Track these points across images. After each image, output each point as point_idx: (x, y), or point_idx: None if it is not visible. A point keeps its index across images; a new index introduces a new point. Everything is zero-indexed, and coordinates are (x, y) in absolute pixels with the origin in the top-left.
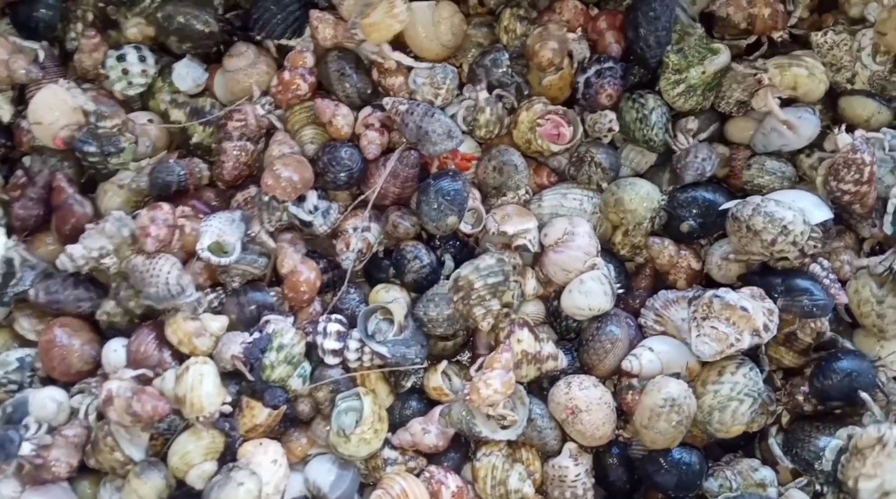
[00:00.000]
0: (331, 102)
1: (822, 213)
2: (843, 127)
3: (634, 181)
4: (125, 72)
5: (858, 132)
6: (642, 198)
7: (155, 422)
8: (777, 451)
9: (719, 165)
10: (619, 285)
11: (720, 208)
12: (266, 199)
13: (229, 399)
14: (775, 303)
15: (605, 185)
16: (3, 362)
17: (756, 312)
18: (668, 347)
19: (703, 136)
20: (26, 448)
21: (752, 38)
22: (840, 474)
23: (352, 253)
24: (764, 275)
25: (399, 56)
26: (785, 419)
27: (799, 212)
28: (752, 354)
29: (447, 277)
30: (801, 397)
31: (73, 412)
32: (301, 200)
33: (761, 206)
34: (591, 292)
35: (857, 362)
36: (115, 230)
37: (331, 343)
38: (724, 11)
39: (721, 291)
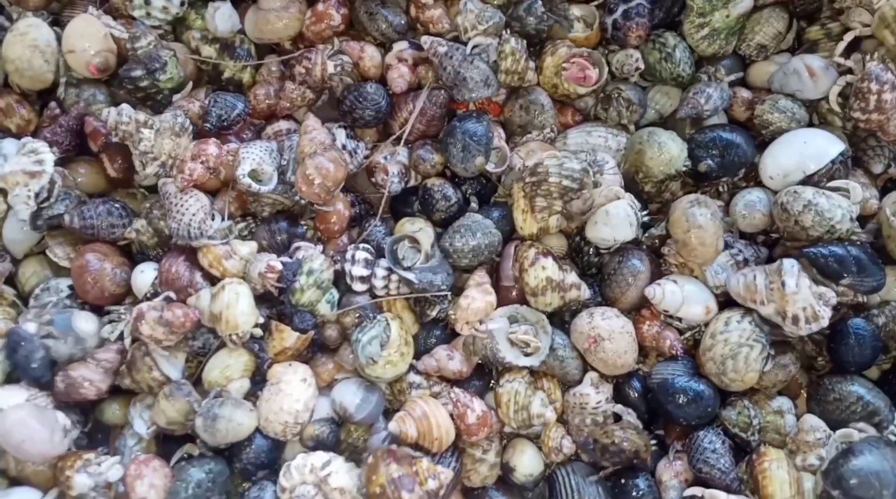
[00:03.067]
0: (356, 44)
1: (837, 147)
2: (876, 55)
3: (665, 142)
4: (147, 2)
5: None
6: (662, 161)
7: (187, 329)
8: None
9: (725, 105)
10: (644, 213)
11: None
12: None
13: (261, 321)
14: (844, 280)
15: (632, 127)
16: (55, 289)
17: (798, 300)
18: (690, 284)
19: (730, 78)
20: (31, 327)
21: None
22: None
23: (394, 177)
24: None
25: None
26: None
27: (847, 210)
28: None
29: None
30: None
31: (103, 340)
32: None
33: (812, 203)
34: (617, 224)
35: (863, 323)
36: (169, 117)
37: (359, 270)
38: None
39: (790, 261)
